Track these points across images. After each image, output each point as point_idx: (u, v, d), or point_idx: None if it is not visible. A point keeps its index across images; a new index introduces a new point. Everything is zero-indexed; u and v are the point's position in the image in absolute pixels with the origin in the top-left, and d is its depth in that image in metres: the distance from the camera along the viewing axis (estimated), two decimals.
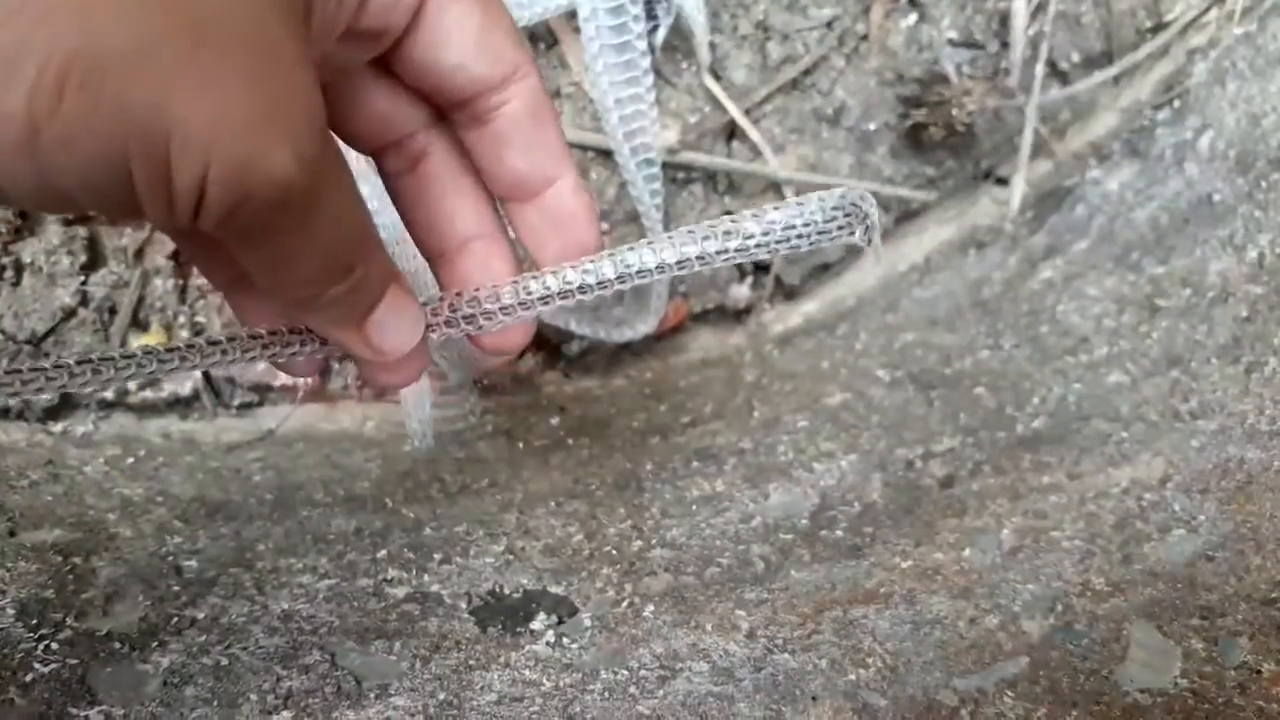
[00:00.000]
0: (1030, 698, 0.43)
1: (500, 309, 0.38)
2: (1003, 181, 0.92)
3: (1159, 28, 0.92)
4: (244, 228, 0.29)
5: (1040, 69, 0.87)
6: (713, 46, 0.82)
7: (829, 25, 0.84)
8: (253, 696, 0.45)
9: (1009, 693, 0.44)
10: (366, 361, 0.38)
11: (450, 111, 0.37)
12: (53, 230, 0.72)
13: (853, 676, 0.46)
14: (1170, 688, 0.43)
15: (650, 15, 0.78)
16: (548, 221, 0.39)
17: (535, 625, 0.52)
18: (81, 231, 0.73)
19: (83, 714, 0.43)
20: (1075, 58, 0.91)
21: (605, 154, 0.80)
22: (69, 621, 0.50)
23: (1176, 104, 0.88)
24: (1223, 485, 0.54)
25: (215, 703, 0.45)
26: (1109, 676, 0.44)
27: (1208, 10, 0.91)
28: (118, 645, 0.48)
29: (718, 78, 0.82)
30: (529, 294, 0.38)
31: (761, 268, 0.88)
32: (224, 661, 0.48)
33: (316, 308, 0.34)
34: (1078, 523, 0.54)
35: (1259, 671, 0.42)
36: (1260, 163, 0.77)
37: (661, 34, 0.78)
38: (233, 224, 0.29)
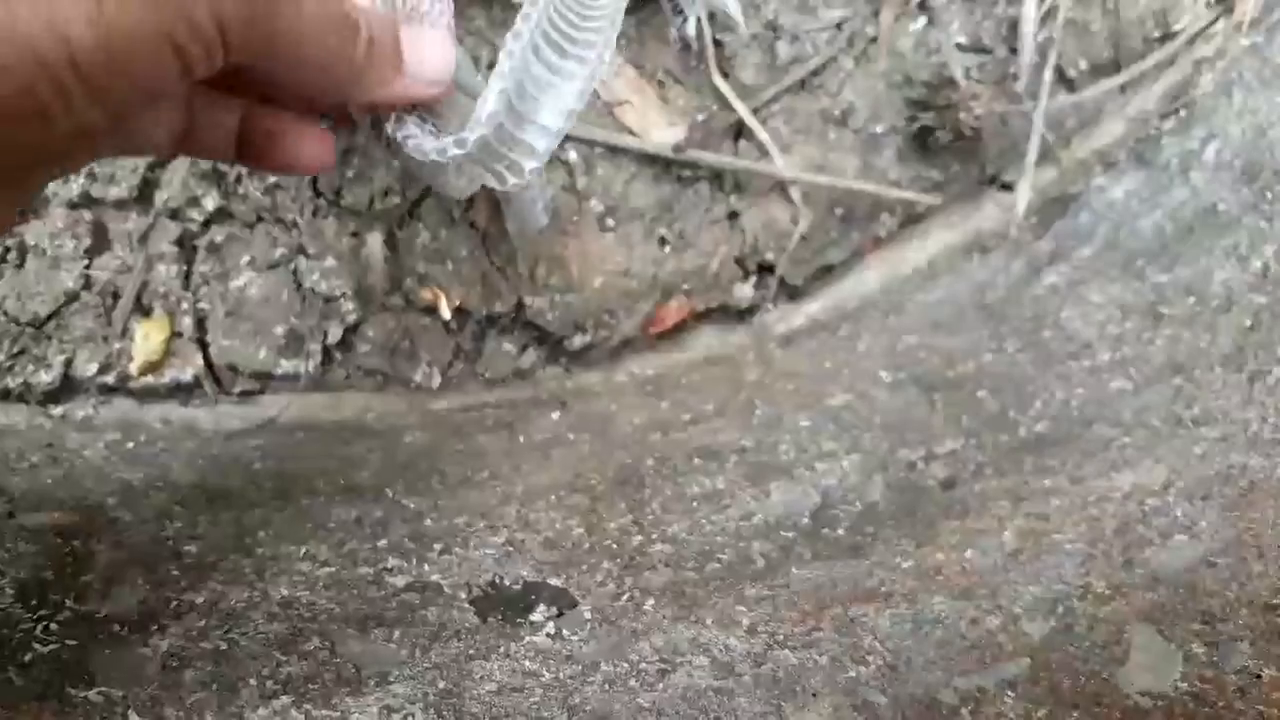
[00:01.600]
0: (1031, 698, 0.43)
1: None
2: (1008, 187, 0.92)
3: (1167, 37, 0.92)
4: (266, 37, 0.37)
5: (1049, 75, 0.87)
6: (719, 45, 0.82)
7: (839, 26, 0.84)
8: (252, 681, 0.45)
9: (1009, 693, 0.44)
10: (420, 97, 0.47)
11: None
12: (57, 214, 0.72)
13: (853, 674, 0.46)
14: (1171, 691, 0.43)
15: (677, 10, 0.78)
16: None
17: (535, 617, 0.52)
18: (86, 215, 0.73)
19: (81, 695, 0.43)
20: (1083, 65, 0.91)
21: (612, 149, 0.80)
22: (68, 603, 0.50)
23: (1183, 114, 0.89)
24: (1225, 492, 0.54)
25: (214, 687, 0.45)
26: (1109, 679, 0.44)
27: (1216, 21, 0.91)
28: (117, 628, 0.48)
29: (726, 76, 0.82)
30: None
31: (765, 268, 0.88)
32: (223, 646, 0.48)
33: (355, 79, 0.43)
34: (1079, 526, 0.54)
35: (1259, 676, 0.43)
36: (1266, 173, 0.77)
37: (691, 25, 0.78)
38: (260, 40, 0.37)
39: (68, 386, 0.73)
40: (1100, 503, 0.56)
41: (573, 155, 0.79)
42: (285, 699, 0.44)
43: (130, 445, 0.69)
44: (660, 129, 0.81)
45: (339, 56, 0.42)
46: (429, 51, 0.47)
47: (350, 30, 0.42)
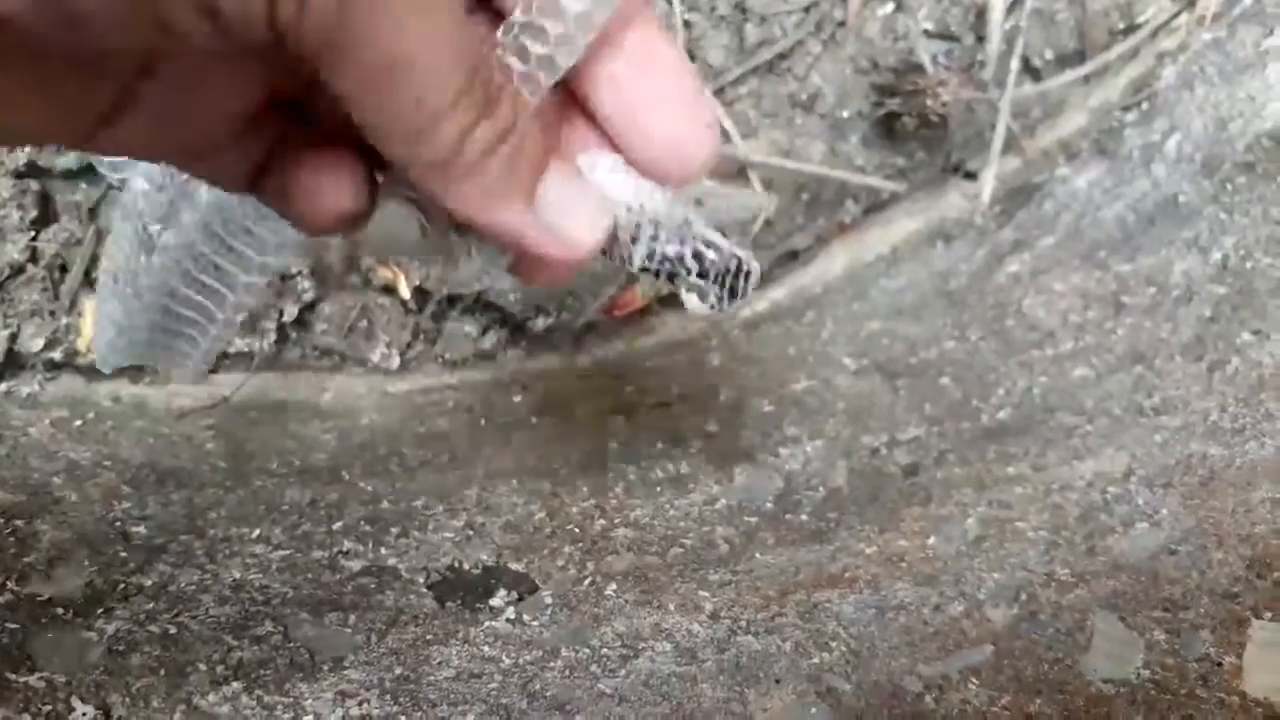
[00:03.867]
0: (994, 685, 0.43)
1: None
2: (971, 175, 0.92)
3: (1130, 29, 0.92)
4: (359, 21, 0.25)
5: (1015, 64, 0.87)
6: (688, 25, 0.81)
7: (807, 10, 0.83)
8: (202, 666, 0.44)
9: (973, 680, 0.44)
10: (551, 257, 0.33)
11: None
12: (2, 183, 0.70)
13: (816, 660, 0.46)
14: (1133, 678, 0.43)
15: None
16: (636, 67, 0.33)
17: (495, 601, 0.51)
18: (34, 185, 0.70)
19: (22, 680, 0.42)
20: (1048, 55, 0.91)
21: None
22: (10, 585, 0.48)
23: (1145, 106, 0.89)
24: (1185, 480, 0.54)
25: (162, 672, 0.43)
26: (1072, 666, 0.44)
27: (1178, 15, 0.92)
28: (60, 611, 0.47)
29: (693, 58, 0.81)
30: None
31: None
32: (172, 630, 0.46)
33: (466, 166, 0.29)
34: (1042, 514, 0.54)
35: (1220, 664, 0.43)
36: (1226, 166, 0.78)
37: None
38: (345, 19, 0.25)
39: (12, 362, 0.71)
40: (1063, 490, 0.56)
41: None
42: (236, 684, 0.43)
43: (78, 423, 0.67)
44: None
45: (439, 132, 0.29)
46: (578, 203, 0.33)
47: (478, 102, 0.29)
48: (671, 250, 0.34)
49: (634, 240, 0.34)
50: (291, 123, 0.35)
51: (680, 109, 0.33)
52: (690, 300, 0.36)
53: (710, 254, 0.34)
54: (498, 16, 0.33)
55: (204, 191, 0.50)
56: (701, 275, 0.35)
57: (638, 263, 0.34)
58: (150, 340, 0.54)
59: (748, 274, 0.35)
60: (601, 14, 0.32)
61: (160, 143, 0.32)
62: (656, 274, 0.35)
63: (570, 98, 0.34)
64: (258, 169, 0.35)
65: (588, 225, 0.33)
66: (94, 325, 0.54)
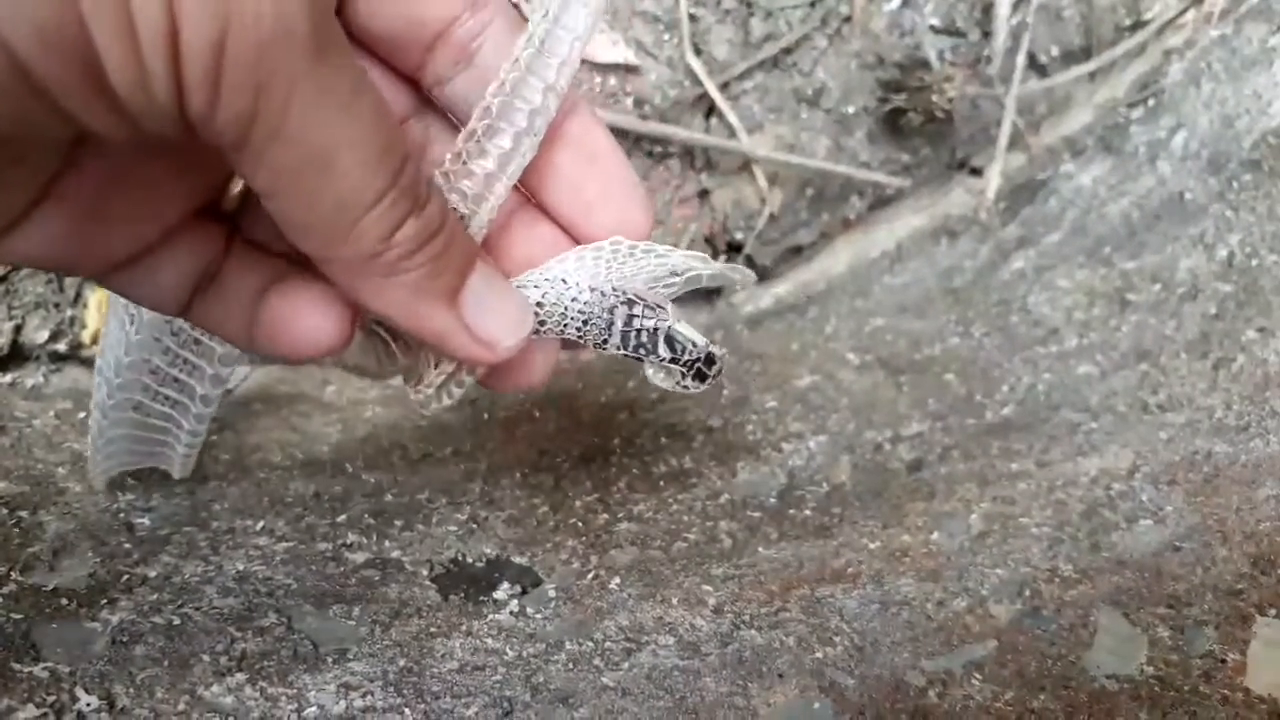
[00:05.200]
0: (997, 681, 0.43)
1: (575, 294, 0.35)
2: (977, 172, 0.92)
3: (1137, 26, 0.92)
4: (275, 116, 0.24)
5: (1021, 60, 0.87)
6: (694, 19, 0.81)
7: (812, 5, 0.83)
8: (205, 657, 0.44)
9: (976, 675, 0.44)
10: (473, 359, 0.33)
11: (427, 69, 0.33)
12: None
13: (820, 655, 0.46)
14: (1136, 674, 0.43)
15: None
16: (580, 158, 0.35)
17: (498, 594, 0.51)
18: None
19: (26, 670, 0.42)
20: (1054, 51, 0.91)
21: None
22: (14, 575, 0.48)
23: (1151, 103, 0.89)
24: (1190, 478, 0.54)
25: (166, 663, 0.43)
26: (1076, 662, 0.44)
27: (1185, 11, 0.92)
28: (64, 601, 0.47)
29: (699, 52, 0.81)
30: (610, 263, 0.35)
31: (734, 248, 0.87)
32: (176, 621, 0.46)
33: (388, 266, 0.28)
34: (1046, 510, 0.54)
35: (1224, 661, 0.43)
36: (1232, 164, 0.78)
37: None
38: (261, 113, 0.24)
39: (17, 354, 0.71)
40: (1067, 487, 0.56)
41: None
42: (240, 675, 0.43)
43: (81, 414, 0.67)
44: (606, 49, 0.79)
45: (360, 232, 0.27)
46: (504, 304, 0.32)
47: (402, 201, 0.28)
48: (645, 335, 0.35)
49: (610, 325, 0.35)
50: (236, 238, 0.34)
51: (623, 198, 0.35)
52: (658, 379, 0.37)
53: (687, 343, 0.36)
54: (441, 117, 0.34)
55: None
56: (674, 360, 0.36)
57: (615, 345, 0.35)
58: (131, 450, 0.55)
59: (716, 361, 0.37)
60: (545, 120, 0.33)
61: (77, 247, 0.30)
62: (628, 352, 0.36)
63: (517, 190, 0.35)
64: (194, 286, 0.33)
65: (512, 327, 0.33)
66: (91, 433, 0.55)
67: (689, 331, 0.36)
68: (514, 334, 0.32)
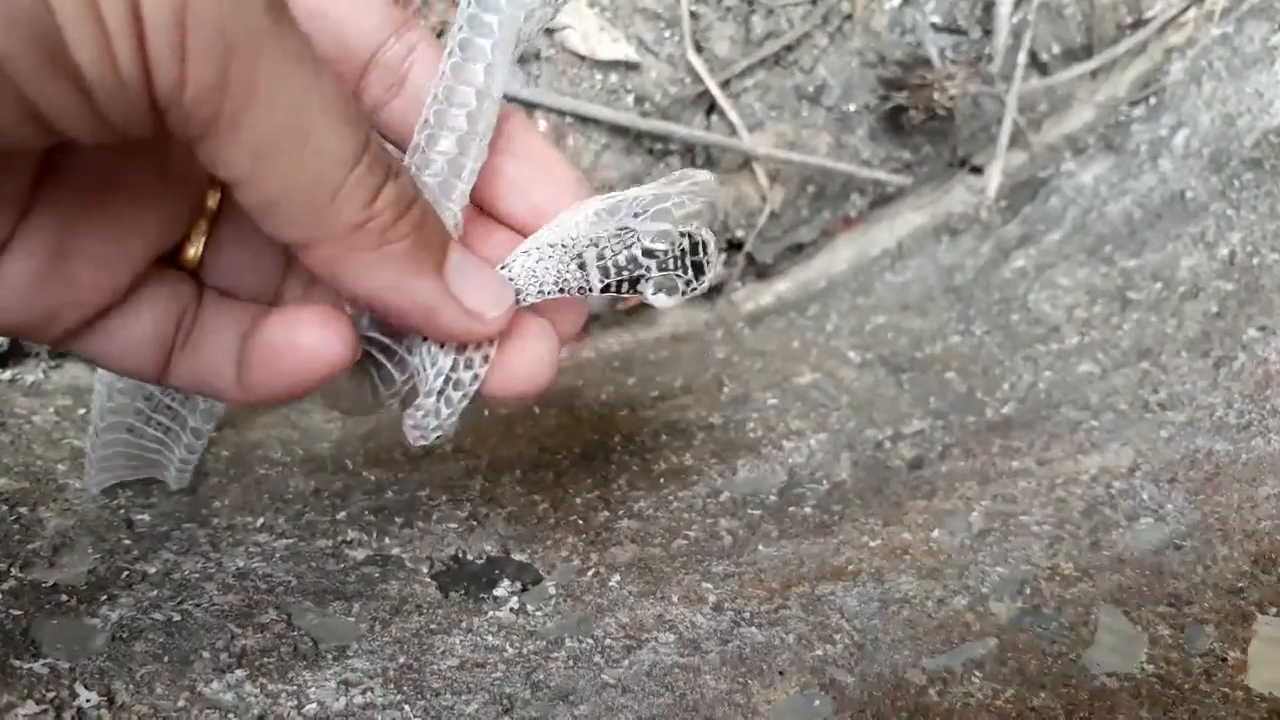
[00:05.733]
0: (998, 679, 0.43)
1: (548, 271, 0.34)
2: (978, 170, 0.92)
3: (1138, 24, 0.92)
4: (245, 81, 0.24)
5: (1022, 58, 0.87)
6: (695, 17, 0.81)
7: (814, 2, 0.83)
8: (205, 654, 0.44)
9: (977, 673, 0.44)
10: (464, 333, 0.32)
11: (363, 96, 0.34)
12: None
13: (820, 652, 0.46)
14: (1137, 673, 0.43)
15: None
16: (523, 163, 0.35)
17: (499, 591, 0.51)
18: None
19: (26, 666, 0.42)
20: (1055, 49, 0.91)
21: (583, 119, 0.79)
22: (13, 571, 0.48)
23: (1153, 101, 0.89)
24: (1191, 476, 0.54)
25: (166, 659, 0.43)
26: (1076, 660, 0.44)
27: (1187, 9, 0.92)
28: (64, 598, 0.47)
29: (700, 49, 0.81)
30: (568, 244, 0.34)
31: (734, 245, 0.87)
32: (176, 618, 0.46)
33: (375, 235, 0.28)
34: (1046, 508, 0.54)
35: (1224, 659, 0.43)
36: (1234, 162, 0.78)
37: None
38: (232, 80, 0.24)
39: (16, 350, 0.70)
40: (1067, 485, 0.56)
41: (542, 125, 0.78)
42: (240, 672, 0.43)
43: (81, 411, 0.67)
44: (607, 47, 0.79)
45: (342, 201, 0.27)
46: (485, 276, 0.33)
47: (377, 168, 0.28)
48: (623, 258, 0.34)
49: (583, 266, 0.34)
50: (205, 290, 0.34)
51: (570, 197, 0.35)
52: (660, 299, 0.35)
53: (660, 245, 0.34)
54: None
55: None
56: (662, 268, 0.34)
57: (597, 285, 0.34)
58: (126, 466, 0.55)
59: (705, 245, 0.34)
60: (486, 123, 0.34)
61: (45, 297, 0.29)
62: (619, 288, 0.35)
63: (470, 203, 0.35)
64: (169, 343, 0.33)
65: (496, 298, 0.33)
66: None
67: (660, 230, 0.34)
68: (499, 304, 0.33)
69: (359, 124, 0.27)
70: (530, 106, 0.77)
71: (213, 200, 0.33)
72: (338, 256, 0.29)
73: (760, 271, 0.88)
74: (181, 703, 0.41)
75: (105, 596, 0.47)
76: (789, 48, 0.83)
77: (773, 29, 0.82)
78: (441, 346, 0.35)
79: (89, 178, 0.29)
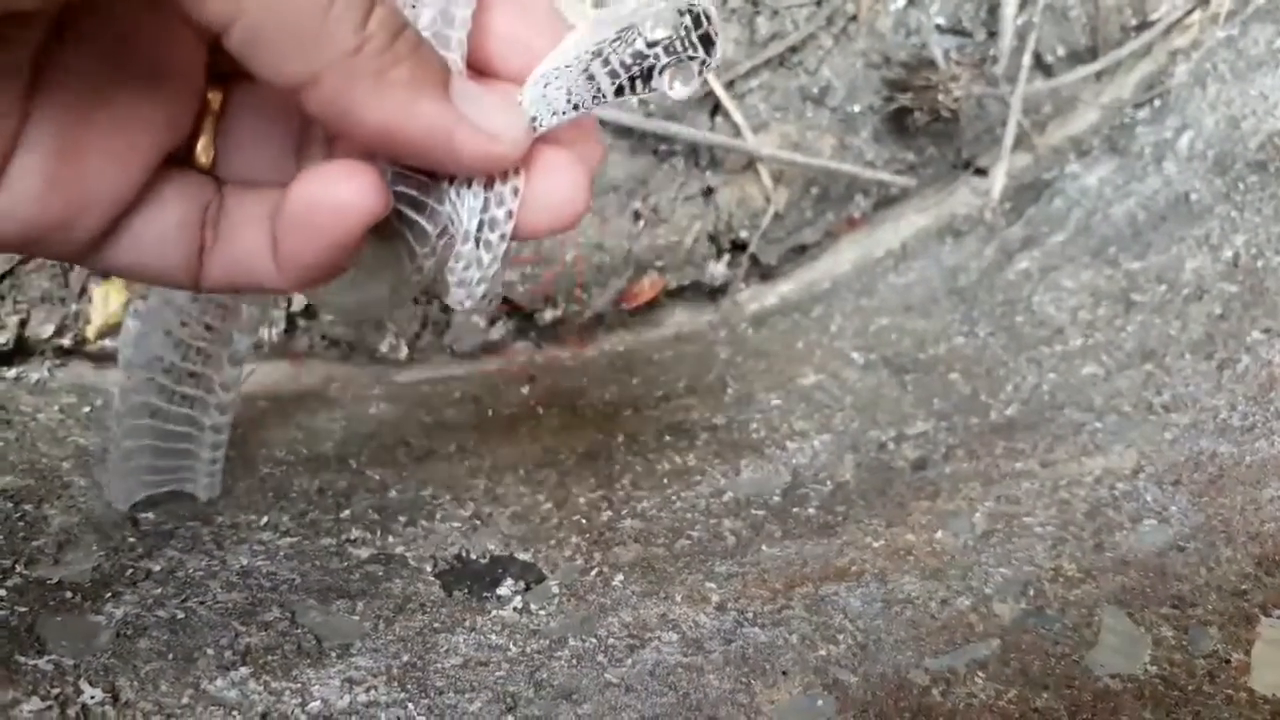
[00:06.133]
0: (1001, 679, 0.43)
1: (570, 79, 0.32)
2: (982, 172, 0.92)
3: (1143, 26, 0.92)
4: None
5: (1027, 60, 0.87)
6: None
7: (818, 3, 0.83)
8: (209, 651, 0.44)
9: (980, 674, 0.44)
10: (483, 155, 0.31)
11: None
12: None
13: (823, 653, 0.46)
14: (1140, 674, 0.43)
15: None
16: (517, 16, 0.34)
17: (502, 591, 0.51)
18: None
19: (31, 663, 0.42)
20: (1060, 51, 0.91)
21: None
22: (19, 569, 0.48)
23: (1157, 103, 0.89)
24: (1194, 478, 0.54)
25: (170, 656, 0.43)
26: (1079, 661, 0.44)
27: (1192, 12, 0.92)
28: (69, 595, 0.47)
29: None
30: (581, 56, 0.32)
31: (738, 246, 0.87)
32: (180, 615, 0.46)
33: (374, 58, 0.27)
34: (1050, 509, 0.54)
35: (1228, 661, 0.43)
36: (1238, 165, 0.78)
37: None
38: None
39: (22, 348, 0.71)
40: (1071, 486, 0.56)
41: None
42: (244, 669, 0.43)
43: (86, 409, 0.67)
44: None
45: (334, 24, 0.27)
46: (492, 98, 0.32)
47: None
48: (628, 56, 0.32)
49: (592, 78, 0.32)
50: (224, 185, 0.33)
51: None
52: (677, 90, 0.33)
53: (660, 31, 0.32)
54: None
55: (153, 295, 0.50)
56: (670, 52, 0.32)
57: (609, 90, 0.32)
58: (152, 466, 0.54)
59: (707, 15, 0.32)
60: None
61: (59, 202, 0.29)
62: (633, 86, 0.32)
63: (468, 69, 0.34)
64: (198, 242, 0.32)
65: (509, 119, 0.31)
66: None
67: (657, 13, 0.32)
68: (514, 125, 0.32)
69: None
70: None
71: (215, 98, 0.33)
72: (339, 90, 0.28)
73: (764, 272, 0.88)
74: (185, 700, 0.41)
75: (110, 594, 0.47)
76: (794, 49, 0.83)
77: (778, 30, 0.82)
78: (469, 186, 0.33)
79: (87, 75, 0.29)
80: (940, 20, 0.86)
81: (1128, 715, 0.41)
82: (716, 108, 0.83)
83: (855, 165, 0.86)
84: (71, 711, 0.39)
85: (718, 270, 0.87)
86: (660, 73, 0.32)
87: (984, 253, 0.86)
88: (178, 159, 0.33)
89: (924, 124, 0.85)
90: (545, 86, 0.33)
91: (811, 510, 0.58)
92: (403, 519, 0.57)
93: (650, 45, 0.32)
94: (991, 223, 0.88)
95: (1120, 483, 0.55)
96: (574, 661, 0.45)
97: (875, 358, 0.76)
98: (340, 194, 0.30)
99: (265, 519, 0.55)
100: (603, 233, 0.81)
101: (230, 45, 0.26)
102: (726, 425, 0.68)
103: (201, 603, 0.47)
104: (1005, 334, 0.75)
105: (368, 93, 0.28)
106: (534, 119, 0.33)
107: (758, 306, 0.87)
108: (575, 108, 0.32)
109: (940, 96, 0.82)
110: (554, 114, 0.33)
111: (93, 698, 0.40)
